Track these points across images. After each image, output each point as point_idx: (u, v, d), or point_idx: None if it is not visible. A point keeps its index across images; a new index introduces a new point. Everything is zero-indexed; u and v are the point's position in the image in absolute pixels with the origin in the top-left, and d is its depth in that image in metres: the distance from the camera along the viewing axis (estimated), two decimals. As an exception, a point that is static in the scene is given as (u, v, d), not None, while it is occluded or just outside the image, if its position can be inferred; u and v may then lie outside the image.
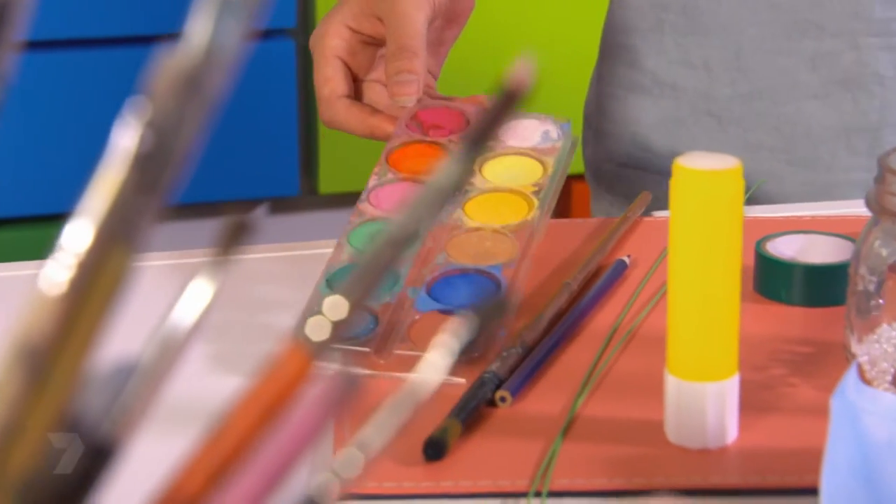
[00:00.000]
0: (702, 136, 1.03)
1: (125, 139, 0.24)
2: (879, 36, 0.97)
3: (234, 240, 0.26)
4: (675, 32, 1.02)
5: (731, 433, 0.63)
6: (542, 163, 0.79)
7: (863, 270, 0.66)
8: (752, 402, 0.65)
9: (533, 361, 0.68)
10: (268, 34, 1.75)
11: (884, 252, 0.66)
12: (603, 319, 0.73)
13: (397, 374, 0.67)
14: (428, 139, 0.81)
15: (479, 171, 0.78)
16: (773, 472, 0.61)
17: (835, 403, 0.58)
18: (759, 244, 0.77)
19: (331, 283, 0.71)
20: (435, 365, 0.27)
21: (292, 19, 1.76)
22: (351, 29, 0.88)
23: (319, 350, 0.27)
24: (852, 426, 0.59)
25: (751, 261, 0.77)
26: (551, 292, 0.74)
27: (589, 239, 0.82)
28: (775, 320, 0.74)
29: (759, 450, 0.63)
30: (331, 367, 0.28)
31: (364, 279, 0.28)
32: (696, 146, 1.02)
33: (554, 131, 0.82)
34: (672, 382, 0.63)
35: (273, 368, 0.26)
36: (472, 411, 0.63)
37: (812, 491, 0.56)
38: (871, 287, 0.66)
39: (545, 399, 0.66)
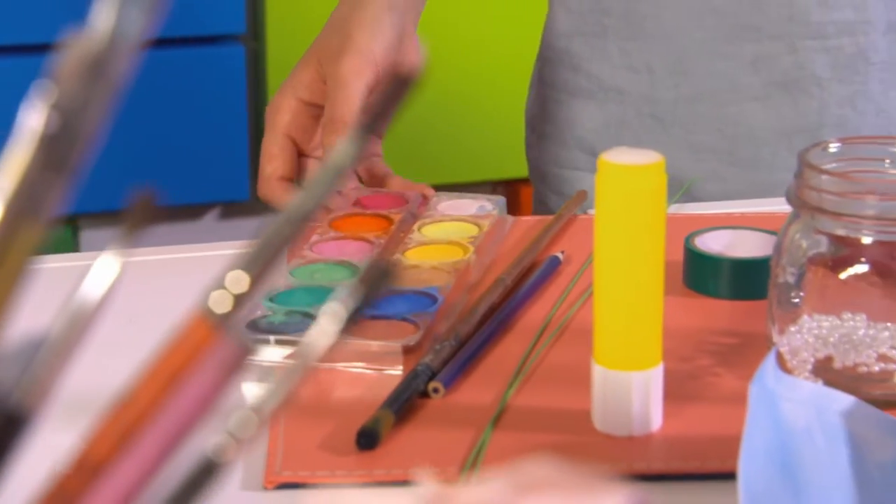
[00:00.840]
0: (646, 138, 1.05)
1: (32, 120, 0.25)
2: (816, 39, 0.99)
3: (139, 217, 0.27)
4: (617, 38, 1.04)
5: (656, 421, 0.65)
6: (478, 225, 0.82)
7: (784, 263, 0.68)
8: (678, 392, 0.67)
9: (466, 354, 0.70)
10: (217, 40, 1.76)
11: (803, 245, 0.67)
12: (536, 313, 0.75)
13: (336, 364, 0.69)
14: (369, 212, 0.83)
15: (419, 230, 0.81)
16: (696, 458, 0.63)
17: (753, 390, 0.60)
18: (689, 239, 0.79)
19: (271, 299, 0.73)
20: (324, 329, 0.29)
21: (242, 25, 1.77)
22: (302, 102, 0.90)
23: (221, 321, 0.28)
24: (770, 412, 0.60)
25: (681, 256, 0.79)
26: (486, 287, 0.76)
27: (525, 236, 0.83)
28: (703, 313, 0.76)
29: (683, 437, 0.64)
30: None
31: (263, 255, 0.29)
32: (637, 144, 1.04)
33: (489, 205, 0.85)
34: (598, 372, 0.64)
35: (178, 339, 0.28)
36: (404, 402, 0.65)
37: (733, 475, 0.57)
38: (792, 279, 0.68)
39: (477, 390, 0.68)
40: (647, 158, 0.63)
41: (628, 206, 0.62)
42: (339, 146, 0.29)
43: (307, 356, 0.28)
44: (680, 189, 0.96)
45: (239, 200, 1.82)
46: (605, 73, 1.05)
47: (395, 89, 0.28)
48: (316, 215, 0.29)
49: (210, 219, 1.87)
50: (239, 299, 0.28)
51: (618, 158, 0.63)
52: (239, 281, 0.28)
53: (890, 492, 0.59)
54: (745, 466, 0.57)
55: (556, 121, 1.09)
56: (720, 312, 0.76)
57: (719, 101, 1.02)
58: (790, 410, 0.61)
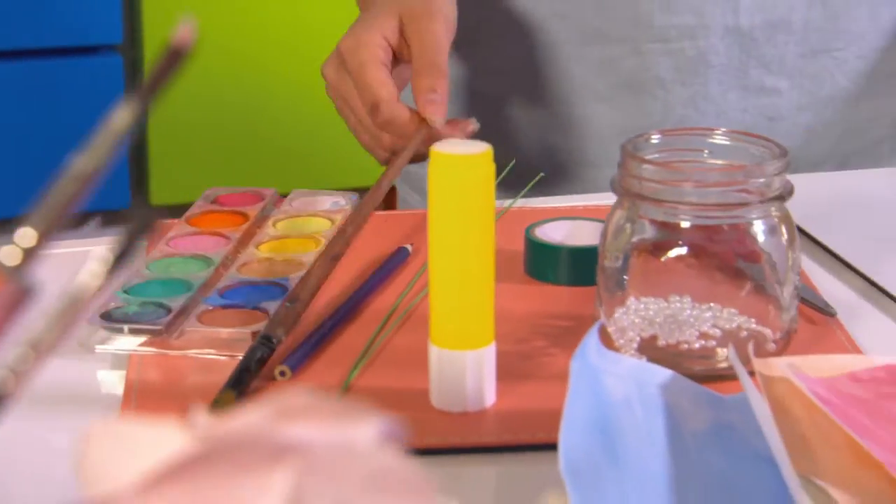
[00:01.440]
0: (503, 138, 1.08)
1: None
2: (659, 42, 1.03)
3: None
4: (473, 41, 1.07)
5: (490, 397, 0.68)
6: (331, 220, 0.85)
7: (609, 249, 0.72)
8: (512, 371, 0.70)
9: (313, 339, 0.73)
10: (95, 50, 1.77)
11: (627, 231, 0.71)
12: (383, 302, 0.78)
13: (189, 352, 0.72)
14: (225, 209, 0.86)
15: (273, 225, 0.84)
16: (526, 431, 0.66)
17: (575, 365, 0.64)
18: (529, 230, 0.83)
19: (126, 290, 0.76)
20: (92, 272, 0.31)
21: (119, 35, 1.78)
22: (388, 42, 0.89)
23: (12, 273, 0.31)
24: (592, 385, 0.64)
25: (522, 246, 0.83)
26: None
27: (379, 231, 0.87)
28: (542, 299, 0.79)
29: (516, 412, 0.68)
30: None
31: (50, 212, 0.32)
32: (498, 149, 1.07)
33: (342, 201, 0.88)
34: (434, 352, 0.67)
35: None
36: (244, 377, 0.67)
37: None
38: (618, 264, 0.72)
39: (323, 373, 0.71)
40: (476, 148, 0.66)
41: (459, 194, 0.66)
42: (115, 112, 0.32)
43: (77, 297, 0.30)
44: (529, 184, 1.00)
45: (119, 209, 1.83)
46: (460, 75, 1.08)
47: (167, 59, 0.31)
48: (97, 176, 0.32)
49: (91, 227, 1.88)
50: (27, 252, 0.31)
51: (448, 149, 0.66)
52: (27, 237, 0.30)
53: (703, 457, 0.62)
54: (566, 435, 0.61)
55: None
56: (558, 298, 0.79)
57: (569, 102, 1.05)
58: (611, 384, 0.65)
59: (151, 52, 1.81)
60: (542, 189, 1.02)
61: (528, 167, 1.03)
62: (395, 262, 0.81)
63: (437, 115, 0.86)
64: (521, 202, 0.93)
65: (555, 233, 0.83)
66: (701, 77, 1.04)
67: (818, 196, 0.95)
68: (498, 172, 0.67)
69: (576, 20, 1.04)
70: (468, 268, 0.66)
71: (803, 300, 0.76)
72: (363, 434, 0.28)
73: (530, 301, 0.79)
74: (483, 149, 0.66)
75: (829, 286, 0.81)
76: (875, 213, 0.92)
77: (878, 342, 0.74)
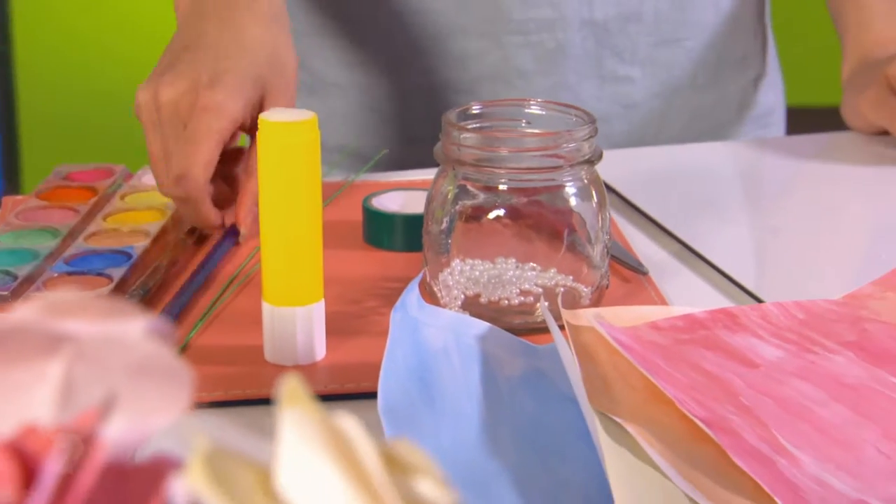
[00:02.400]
0: (366, 130, 1.12)
1: None
2: (519, 34, 1.07)
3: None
4: (333, 36, 1.10)
5: (320, 351, 0.72)
6: None
7: (434, 213, 0.76)
8: (345, 328, 0.74)
9: (171, 307, 0.76)
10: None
11: (450, 196, 0.76)
12: (226, 269, 0.82)
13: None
14: (75, 184, 0.89)
15: (122, 199, 0.87)
16: (352, 381, 0.70)
17: (395, 316, 0.68)
18: (366, 200, 0.87)
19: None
20: None
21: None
22: (243, 120, 0.82)
23: None
24: (412, 336, 0.68)
25: (361, 216, 0.87)
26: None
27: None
28: (378, 264, 0.84)
29: (344, 364, 0.72)
30: None
31: None
32: (362, 140, 1.11)
33: None
34: (267, 309, 0.71)
35: None
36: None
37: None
38: (443, 227, 0.76)
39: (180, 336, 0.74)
40: (301, 116, 0.70)
41: (286, 159, 0.70)
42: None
43: None
44: (373, 160, 1.04)
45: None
46: (324, 69, 1.11)
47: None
48: None
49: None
50: None
51: (274, 117, 0.70)
52: None
53: (515, 400, 0.67)
54: (385, 380, 0.65)
55: None
56: (393, 263, 0.83)
57: (432, 95, 1.09)
58: (430, 334, 0.69)
59: (22, 45, 1.82)
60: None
61: (391, 157, 1.07)
62: (234, 233, 0.85)
63: (247, 229, 0.83)
64: (364, 177, 0.97)
65: (391, 203, 0.87)
66: (560, 67, 1.08)
67: (644, 168, 1.01)
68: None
69: (436, 15, 1.07)
70: (296, 228, 0.70)
71: (618, 259, 0.81)
72: (131, 328, 0.31)
73: (367, 266, 0.83)
74: (308, 116, 0.70)
75: (646, 248, 0.86)
76: (692, 183, 0.98)
77: (687, 298, 0.79)
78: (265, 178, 0.70)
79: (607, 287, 0.77)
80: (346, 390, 0.70)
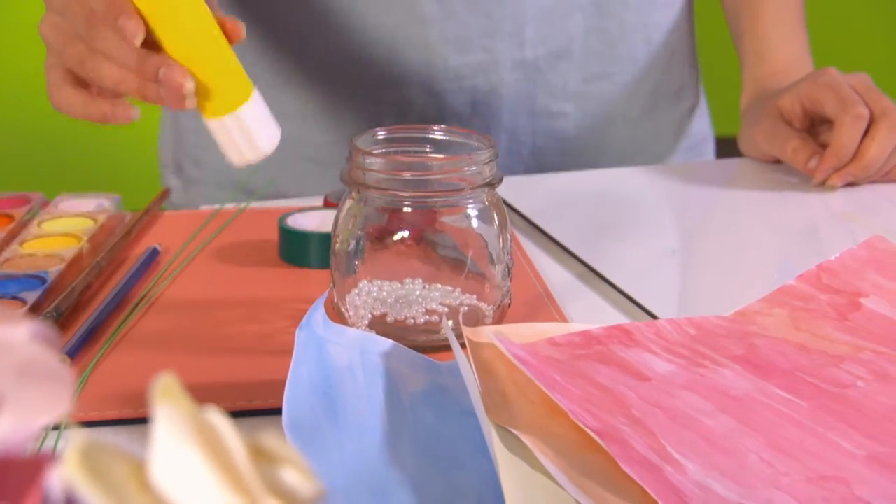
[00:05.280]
0: (304, 178, 1.13)
1: None
2: (454, 80, 1.09)
3: None
4: (267, 86, 1.11)
5: (276, 136, 0.71)
6: (94, 219, 0.89)
7: (341, 235, 0.78)
8: (250, 348, 0.76)
9: (85, 328, 0.76)
10: None
11: (356, 218, 0.77)
12: (137, 292, 0.83)
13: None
14: None
15: (38, 225, 0.87)
16: (260, 398, 0.71)
17: (300, 335, 0.69)
18: (282, 219, 0.88)
19: None
20: None
21: None
22: None
23: None
24: (317, 354, 0.70)
25: (276, 235, 0.88)
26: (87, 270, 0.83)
27: (142, 229, 0.91)
28: (293, 282, 0.85)
29: (245, 383, 0.73)
30: None
31: None
32: (300, 188, 1.12)
33: (106, 203, 0.92)
34: (213, 123, 0.69)
35: None
36: None
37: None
38: (349, 248, 0.77)
39: (92, 355, 0.75)
40: None
41: None
42: None
43: None
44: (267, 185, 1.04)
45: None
46: None
47: None
48: None
49: None
50: None
51: None
52: None
53: (417, 415, 0.68)
54: (290, 396, 0.66)
55: (205, 165, 1.15)
56: (307, 280, 0.85)
57: None
58: (335, 352, 0.70)
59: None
60: None
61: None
62: (148, 259, 0.86)
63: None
64: (285, 202, 0.99)
65: (306, 221, 0.89)
66: (494, 108, 1.10)
67: (553, 193, 1.03)
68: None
69: (371, 66, 1.08)
70: (196, 33, 0.67)
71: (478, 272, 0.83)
72: (15, 333, 0.32)
73: (282, 285, 0.84)
74: None
75: (550, 269, 0.88)
76: (598, 207, 1.00)
77: (588, 316, 0.81)
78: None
79: (509, 305, 0.78)
80: (241, 407, 0.71)
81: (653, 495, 0.59)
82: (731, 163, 1.09)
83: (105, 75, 0.70)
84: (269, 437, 0.31)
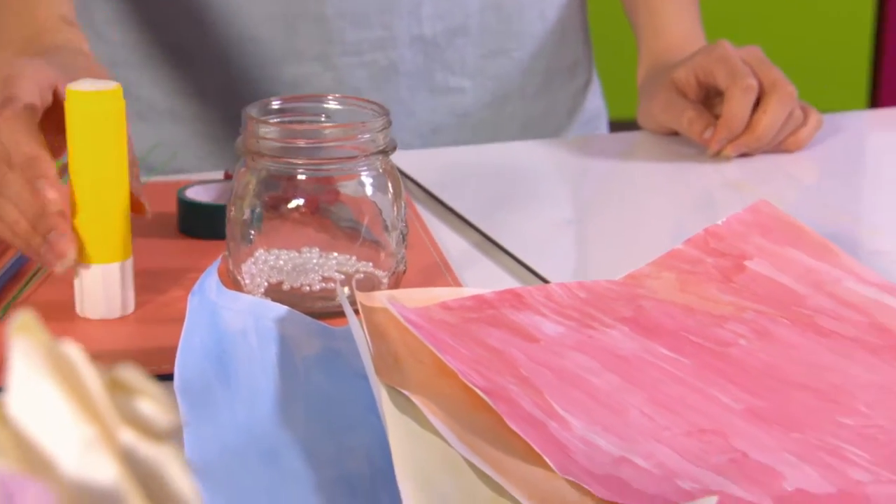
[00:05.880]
0: (205, 155, 1.13)
1: None
2: (353, 55, 1.09)
3: None
4: (164, 66, 1.11)
5: (130, 305, 0.76)
6: None
7: (237, 204, 0.78)
8: (150, 315, 0.76)
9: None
10: None
11: (251, 187, 0.77)
12: (34, 263, 0.83)
13: None
14: None
15: None
16: (154, 364, 0.72)
17: (193, 300, 0.69)
18: (181, 191, 0.88)
19: None
20: None
21: None
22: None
23: None
24: (210, 319, 0.70)
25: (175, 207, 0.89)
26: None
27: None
28: (191, 254, 0.85)
29: (147, 349, 0.73)
30: None
31: None
32: (201, 165, 1.12)
33: None
34: (79, 267, 0.75)
35: None
36: None
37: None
38: (245, 217, 0.78)
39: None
40: (106, 86, 0.74)
41: (92, 125, 0.73)
42: None
43: None
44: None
45: None
46: (157, 97, 1.12)
47: None
48: None
49: None
50: None
51: (82, 87, 0.73)
52: None
53: (310, 378, 0.69)
54: (181, 360, 0.66)
55: None
56: (205, 252, 0.85)
57: None
58: (229, 318, 0.71)
59: None
60: None
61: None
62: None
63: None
64: (185, 176, 0.99)
65: (205, 193, 0.89)
66: (392, 84, 1.10)
67: (452, 166, 1.04)
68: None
69: (266, 43, 1.08)
70: (104, 189, 0.74)
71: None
72: None
73: (180, 256, 0.84)
74: (113, 86, 0.73)
75: (447, 238, 0.89)
76: (496, 179, 1.01)
77: (482, 284, 0.82)
78: (74, 144, 0.74)
79: (404, 272, 0.79)
80: (149, 372, 0.71)
81: (538, 450, 0.60)
82: (627, 136, 1.11)
83: (4, 214, 0.75)
84: (126, 370, 0.31)
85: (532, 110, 1.16)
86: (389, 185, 0.78)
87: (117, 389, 0.31)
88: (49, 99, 0.78)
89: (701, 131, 1.03)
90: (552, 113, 1.18)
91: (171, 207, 0.89)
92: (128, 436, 0.30)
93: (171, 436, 0.30)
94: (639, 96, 1.10)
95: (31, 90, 0.77)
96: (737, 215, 0.80)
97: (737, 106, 1.00)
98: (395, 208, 0.78)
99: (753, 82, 1.01)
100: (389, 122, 0.77)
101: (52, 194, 0.73)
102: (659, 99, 1.06)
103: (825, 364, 0.67)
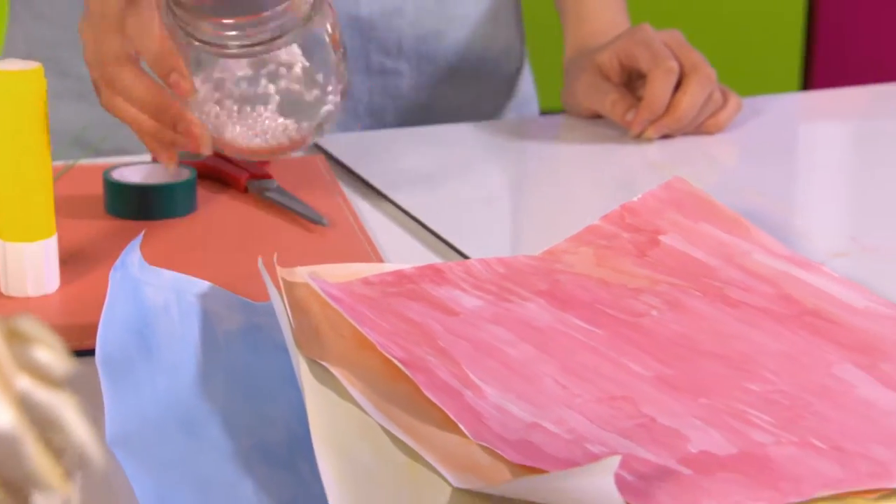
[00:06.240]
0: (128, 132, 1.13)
1: None
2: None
3: None
4: None
5: (53, 284, 0.76)
6: None
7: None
8: (75, 295, 0.77)
9: None
10: None
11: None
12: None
13: None
14: None
15: None
16: (76, 340, 0.72)
17: (115, 275, 0.70)
18: (106, 173, 0.89)
19: None
20: None
21: None
22: None
23: None
24: (132, 294, 0.71)
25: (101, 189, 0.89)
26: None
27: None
28: (117, 234, 0.86)
29: (71, 325, 0.74)
30: None
31: None
32: (142, 147, 1.12)
33: None
34: (0, 245, 0.75)
35: None
36: None
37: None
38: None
39: None
40: (29, 66, 0.74)
41: (14, 105, 0.73)
42: None
43: None
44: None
45: None
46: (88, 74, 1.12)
47: None
48: None
49: None
50: None
51: (3, 67, 0.73)
52: None
53: (232, 351, 0.70)
54: (103, 333, 0.67)
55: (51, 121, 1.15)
56: (131, 232, 0.86)
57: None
58: (151, 293, 0.71)
59: None
60: None
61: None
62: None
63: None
64: (116, 158, 1.00)
65: (131, 175, 0.89)
66: None
67: (380, 149, 1.05)
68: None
69: None
70: (26, 169, 0.74)
71: (299, 213, 0.86)
72: None
73: (105, 236, 0.85)
74: (34, 66, 0.74)
75: (371, 217, 0.90)
76: (423, 160, 1.03)
77: (405, 260, 0.83)
78: None
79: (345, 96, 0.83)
80: (72, 348, 0.72)
81: (453, 418, 0.62)
82: (555, 119, 1.12)
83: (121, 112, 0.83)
84: (23, 320, 0.32)
85: (466, 94, 1.17)
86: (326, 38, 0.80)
87: (14, 338, 0.32)
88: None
89: (623, 113, 1.04)
90: (485, 97, 1.19)
91: (99, 189, 0.89)
92: (24, 382, 0.31)
93: (67, 382, 0.31)
94: (564, 80, 1.11)
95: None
96: (652, 192, 0.81)
97: (658, 88, 1.02)
98: (334, 55, 0.81)
99: (674, 65, 1.02)
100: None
101: (186, 84, 0.80)
102: (582, 82, 1.07)
103: (733, 333, 0.69)
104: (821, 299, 0.71)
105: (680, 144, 1.05)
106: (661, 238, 0.78)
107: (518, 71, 1.22)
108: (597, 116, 1.09)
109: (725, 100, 1.07)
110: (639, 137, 1.04)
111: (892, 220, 0.89)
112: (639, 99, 1.05)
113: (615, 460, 0.51)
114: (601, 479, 0.51)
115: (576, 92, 1.08)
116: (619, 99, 1.05)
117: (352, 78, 1.13)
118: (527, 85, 1.23)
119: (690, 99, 1.03)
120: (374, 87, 1.13)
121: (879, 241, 0.85)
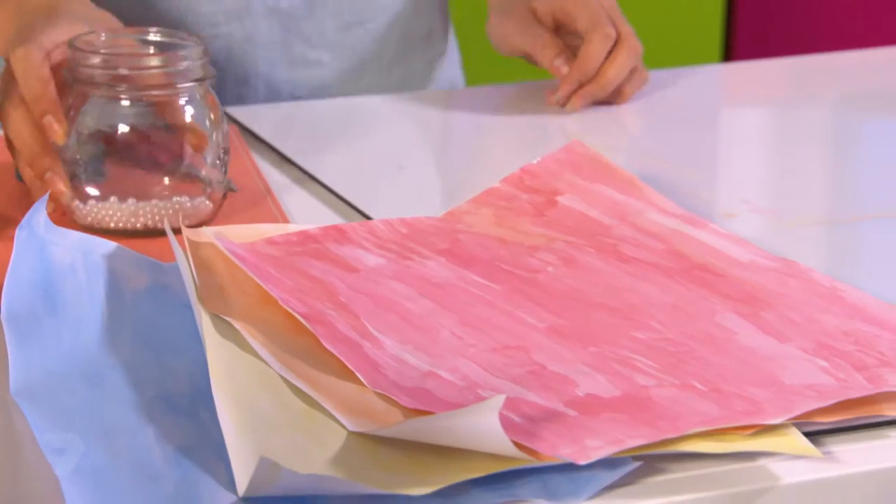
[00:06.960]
0: None
1: None
2: (209, 27, 1.10)
3: None
4: None
5: None
6: None
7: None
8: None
9: None
10: None
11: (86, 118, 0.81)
12: None
13: None
14: None
15: None
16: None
17: (20, 235, 0.71)
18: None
19: None
20: None
21: None
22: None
23: None
24: (38, 253, 0.71)
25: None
26: None
27: None
28: (30, 199, 0.87)
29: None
30: None
31: None
32: None
33: None
34: None
35: None
36: None
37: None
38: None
39: None
40: None
41: None
42: None
43: None
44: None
45: None
46: None
47: None
48: None
49: None
50: None
51: None
52: None
53: (139, 309, 0.71)
54: (8, 292, 0.68)
55: None
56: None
57: None
58: (57, 253, 0.72)
59: None
60: None
61: None
62: None
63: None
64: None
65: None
66: (250, 56, 1.11)
67: (292, 118, 1.06)
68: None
69: (124, 13, 1.07)
70: None
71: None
72: None
73: (16, 201, 0.86)
74: None
75: (280, 181, 0.92)
76: (338, 131, 1.04)
77: (310, 221, 0.85)
78: None
79: (225, 197, 0.83)
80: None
81: (351, 367, 0.63)
82: (475, 90, 1.13)
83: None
84: None
85: (389, 80, 1.18)
86: (210, 112, 0.81)
87: None
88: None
89: (552, 57, 1.05)
90: (408, 82, 1.20)
91: (9, 157, 0.90)
92: None
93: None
94: (490, 14, 1.11)
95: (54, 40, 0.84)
96: (551, 154, 0.83)
97: (594, 52, 1.03)
98: (215, 136, 0.81)
99: (613, 31, 1.04)
100: (206, 52, 0.81)
101: (56, 127, 0.82)
102: (514, 21, 1.08)
103: (624, 286, 0.71)
104: (708, 254, 0.74)
105: (596, 114, 1.07)
106: (559, 199, 0.80)
107: (441, 55, 1.23)
108: (520, 55, 1.09)
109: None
110: (563, 107, 1.05)
111: (784, 185, 0.92)
112: (570, 49, 1.06)
113: (499, 400, 0.54)
114: (486, 418, 0.54)
115: (506, 28, 1.08)
116: (551, 43, 1.06)
117: (275, 75, 1.13)
118: (452, 70, 1.24)
119: (617, 68, 1.04)
120: (296, 78, 1.13)
121: (770, 204, 0.88)
